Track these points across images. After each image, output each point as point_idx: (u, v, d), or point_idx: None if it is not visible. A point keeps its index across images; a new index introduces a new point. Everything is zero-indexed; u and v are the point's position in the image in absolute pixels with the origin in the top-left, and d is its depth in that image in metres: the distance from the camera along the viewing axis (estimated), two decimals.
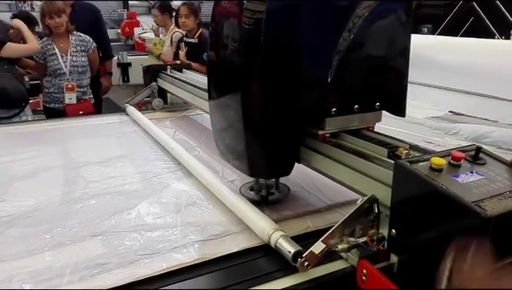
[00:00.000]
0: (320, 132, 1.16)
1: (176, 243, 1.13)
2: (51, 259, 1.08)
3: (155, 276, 1.00)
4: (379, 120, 1.24)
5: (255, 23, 1.07)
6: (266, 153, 1.21)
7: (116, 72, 4.03)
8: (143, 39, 3.95)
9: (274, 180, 1.40)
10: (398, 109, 1.23)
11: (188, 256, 1.07)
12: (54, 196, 1.44)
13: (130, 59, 4.02)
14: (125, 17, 4.86)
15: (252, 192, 1.39)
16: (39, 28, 3.49)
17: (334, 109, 1.13)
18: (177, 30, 3.74)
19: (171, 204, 1.38)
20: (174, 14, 3.83)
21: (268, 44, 1.06)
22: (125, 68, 4.08)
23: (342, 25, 1.10)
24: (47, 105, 3.22)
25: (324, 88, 1.11)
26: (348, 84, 1.15)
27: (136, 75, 3.98)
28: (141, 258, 1.07)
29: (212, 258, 1.07)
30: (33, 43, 3.04)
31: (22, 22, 3.11)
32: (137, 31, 4.04)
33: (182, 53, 3.47)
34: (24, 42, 3.11)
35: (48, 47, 3.11)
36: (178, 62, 3.10)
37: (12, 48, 2.90)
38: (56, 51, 3.10)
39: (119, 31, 4.70)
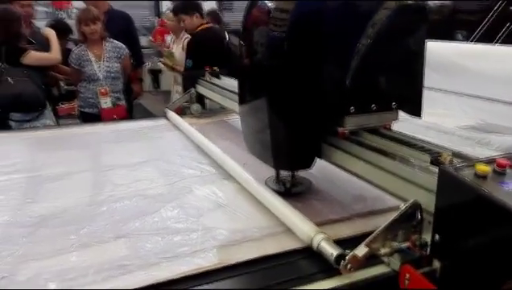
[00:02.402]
0: (340, 129, 1.26)
1: (196, 247, 1.15)
2: (76, 259, 1.12)
3: (180, 279, 1.02)
4: (396, 119, 1.32)
5: (280, 30, 1.20)
6: (289, 147, 1.34)
7: (147, 79, 4.13)
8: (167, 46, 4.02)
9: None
10: (414, 110, 1.29)
11: (208, 260, 1.09)
12: (81, 198, 1.49)
13: (161, 66, 4.12)
14: (156, 24, 5.00)
15: (277, 184, 1.50)
16: (74, 36, 3.62)
17: (353, 108, 1.23)
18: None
19: (193, 208, 1.40)
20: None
21: (292, 48, 1.19)
22: (155, 74, 4.18)
23: (360, 30, 1.19)
24: (83, 110, 3.33)
25: (343, 88, 1.21)
26: (365, 84, 1.24)
27: (166, 81, 4.07)
28: (161, 261, 1.09)
29: (244, 260, 1.09)
30: (54, 54, 3.14)
31: (53, 31, 3.24)
32: (168, 38, 4.13)
33: None
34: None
35: (83, 53, 3.23)
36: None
37: (33, 56, 3.01)
38: (91, 57, 3.22)
39: (151, 38, 4.83)
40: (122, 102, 3.37)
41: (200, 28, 3.50)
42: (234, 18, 6.45)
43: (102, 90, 3.20)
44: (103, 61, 3.23)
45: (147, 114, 3.74)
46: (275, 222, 1.28)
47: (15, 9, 3.11)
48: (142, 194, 1.52)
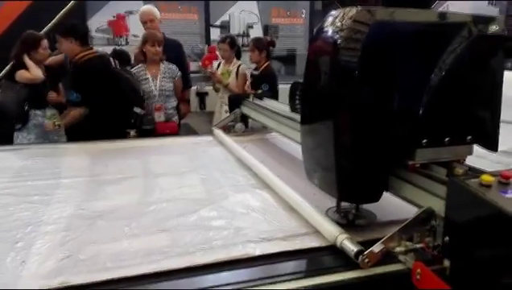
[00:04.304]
0: (411, 162, 1.22)
1: (227, 241, 1.34)
2: (127, 246, 1.33)
3: (212, 264, 1.20)
4: (470, 153, 1.27)
5: (351, 59, 1.19)
6: (356, 179, 1.29)
7: (194, 100, 4.44)
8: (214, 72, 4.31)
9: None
10: (490, 143, 1.26)
11: (237, 251, 1.27)
12: (133, 199, 1.72)
13: (207, 89, 4.42)
14: (205, 51, 5.36)
15: (338, 215, 1.45)
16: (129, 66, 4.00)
17: (425, 141, 1.19)
18: (241, 62, 4.07)
19: (227, 211, 1.59)
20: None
21: (362, 78, 1.17)
22: (202, 96, 4.49)
23: (434, 61, 1.17)
24: (141, 127, 3.63)
25: (415, 120, 1.18)
26: (439, 117, 1.20)
27: (211, 103, 4.36)
28: (197, 251, 1.28)
29: (270, 253, 1.26)
30: (34, 73, 3.31)
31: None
32: (215, 63, 4.44)
33: (247, 83, 3.80)
34: None
35: (141, 72, 3.57)
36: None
37: (20, 75, 3.28)
38: (148, 76, 3.55)
39: (200, 63, 5.17)
40: (175, 119, 3.66)
41: (79, 57, 3.18)
42: (280, 45, 6.72)
43: (157, 106, 3.51)
44: (158, 80, 3.55)
45: (192, 132, 4.02)
46: (299, 226, 1.44)
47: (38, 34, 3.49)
48: (184, 198, 1.73)
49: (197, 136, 2.96)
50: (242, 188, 1.84)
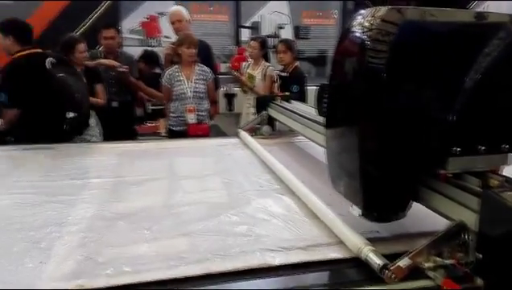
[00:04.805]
0: (442, 172, 1.15)
1: (246, 249, 1.30)
2: (146, 249, 1.32)
3: (228, 272, 1.17)
4: (506, 163, 1.19)
5: (378, 61, 1.12)
6: (381, 187, 1.22)
7: (222, 102, 4.44)
8: (241, 73, 4.28)
9: None
10: None
11: (255, 260, 1.23)
12: (156, 201, 1.72)
13: (235, 90, 4.41)
14: (235, 52, 5.36)
15: None
16: (159, 70, 4.05)
17: (457, 149, 1.12)
18: (269, 64, 4.03)
19: (249, 217, 1.55)
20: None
21: (390, 80, 1.10)
22: (230, 98, 4.48)
23: (469, 63, 1.11)
24: (173, 128, 3.65)
25: (447, 126, 1.11)
26: (473, 123, 1.13)
27: (239, 104, 4.34)
28: (215, 257, 1.25)
29: (290, 263, 1.22)
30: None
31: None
32: (243, 64, 4.43)
33: (276, 85, 3.75)
34: None
35: (176, 74, 3.58)
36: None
37: None
38: (182, 77, 3.57)
39: (229, 64, 5.17)
40: (207, 121, 3.67)
41: (15, 56, 3.02)
42: (311, 46, 6.64)
43: (190, 107, 3.52)
44: (192, 82, 3.56)
45: (220, 133, 4.02)
46: (322, 235, 1.39)
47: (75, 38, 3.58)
48: (206, 201, 1.71)
49: (223, 138, 2.94)
50: (265, 193, 1.80)
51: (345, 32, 1.28)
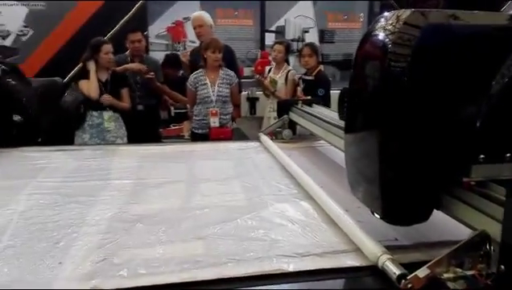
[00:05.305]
0: (465, 179, 1.09)
1: (261, 254, 1.28)
2: (162, 252, 1.32)
3: (242, 277, 1.16)
4: None
5: (400, 65, 1.10)
6: (402, 194, 1.18)
7: (244, 105, 4.44)
8: (265, 77, 4.27)
9: None
10: None
11: (269, 266, 1.21)
12: (174, 204, 1.72)
13: (257, 94, 4.41)
14: (259, 56, 5.36)
15: None
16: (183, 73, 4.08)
17: (482, 156, 1.06)
18: (291, 68, 4.00)
19: (266, 221, 1.54)
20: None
21: (411, 85, 1.08)
22: (253, 102, 4.48)
23: (496, 67, 1.06)
24: (196, 131, 3.67)
25: (472, 132, 1.07)
26: (499, 129, 1.08)
27: (262, 108, 4.34)
28: (229, 261, 1.24)
29: (304, 270, 1.20)
30: (89, 92, 3.46)
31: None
32: (267, 68, 4.43)
33: (299, 89, 3.72)
34: None
35: (201, 77, 3.60)
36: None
37: (80, 84, 3.46)
38: (207, 81, 3.59)
39: (253, 68, 5.18)
40: (230, 124, 3.67)
41: None
42: (336, 50, 6.58)
43: (213, 111, 3.53)
44: (216, 86, 3.58)
45: (243, 137, 4.03)
46: (339, 242, 1.36)
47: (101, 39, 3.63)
48: (224, 205, 1.70)
49: (244, 142, 2.93)
50: (284, 198, 1.78)
51: (367, 35, 1.27)
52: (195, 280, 1.15)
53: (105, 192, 1.85)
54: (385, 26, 1.19)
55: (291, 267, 1.20)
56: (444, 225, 1.32)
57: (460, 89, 1.08)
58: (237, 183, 1.99)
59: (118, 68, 3.76)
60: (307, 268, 1.20)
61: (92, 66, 3.48)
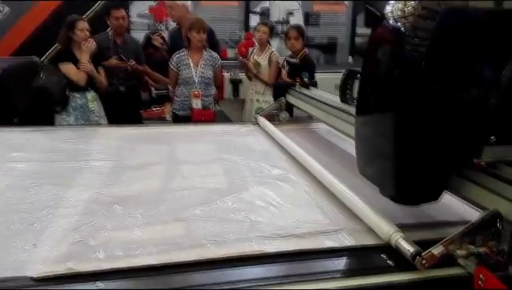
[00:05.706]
0: (476, 160, 1.12)
1: (241, 236, 1.28)
2: (139, 234, 1.30)
3: (222, 259, 1.15)
4: None
5: (418, 49, 1.12)
6: (414, 174, 1.20)
7: (227, 87, 4.39)
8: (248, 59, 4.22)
9: None
10: None
11: (249, 247, 1.20)
12: (153, 186, 1.70)
13: (240, 76, 4.35)
14: (243, 38, 5.27)
15: None
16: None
17: (493, 138, 1.09)
18: (274, 50, 3.95)
19: (246, 203, 1.53)
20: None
21: (429, 69, 1.09)
22: (236, 84, 4.42)
23: (509, 51, 1.08)
24: (177, 113, 3.59)
25: (484, 114, 1.09)
26: (511, 112, 1.10)
27: (244, 90, 4.29)
28: (209, 243, 1.23)
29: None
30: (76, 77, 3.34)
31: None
32: (250, 50, 4.35)
33: (284, 72, 3.69)
34: None
35: (183, 58, 3.51)
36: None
37: (65, 69, 3.32)
38: (190, 62, 3.52)
39: (237, 50, 5.10)
40: (212, 107, 3.62)
41: None
42: (320, 33, 6.53)
43: (196, 92, 3.46)
44: (199, 67, 3.52)
45: (225, 119, 3.99)
46: (318, 222, 1.37)
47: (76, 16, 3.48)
48: (204, 187, 1.68)
49: (229, 124, 2.90)
50: (265, 180, 1.77)
51: (381, 18, 1.26)
52: (173, 262, 1.14)
53: (83, 174, 1.81)
54: (401, 10, 1.19)
55: (275, 248, 1.20)
56: (449, 206, 1.37)
57: (474, 72, 1.09)
58: (219, 165, 1.96)
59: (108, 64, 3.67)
60: (288, 249, 1.20)
61: (84, 57, 3.37)
